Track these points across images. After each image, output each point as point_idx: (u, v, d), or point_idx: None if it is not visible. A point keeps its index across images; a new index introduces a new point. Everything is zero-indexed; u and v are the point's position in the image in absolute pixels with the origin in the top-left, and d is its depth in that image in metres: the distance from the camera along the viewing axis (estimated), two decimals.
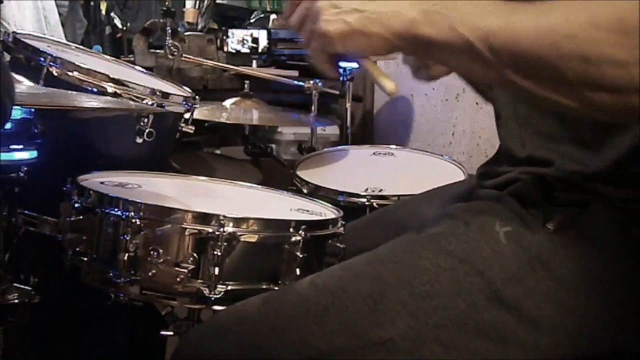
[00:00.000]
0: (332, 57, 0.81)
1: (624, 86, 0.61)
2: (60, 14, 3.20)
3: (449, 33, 0.70)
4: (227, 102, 2.06)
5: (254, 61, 2.62)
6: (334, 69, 0.83)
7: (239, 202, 1.26)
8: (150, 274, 0.98)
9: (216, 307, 0.97)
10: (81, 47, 1.70)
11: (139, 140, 1.32)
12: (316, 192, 1.58)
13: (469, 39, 0.68)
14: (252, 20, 2.97)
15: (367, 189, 1.60)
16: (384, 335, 0.77)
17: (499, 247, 0.78)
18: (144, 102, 1.35)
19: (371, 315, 0.78)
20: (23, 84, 1.26)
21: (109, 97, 1.31)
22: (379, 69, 0.84)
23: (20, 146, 1.29)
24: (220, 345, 0.84)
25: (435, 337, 0.76)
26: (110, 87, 1.33)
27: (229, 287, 0.97)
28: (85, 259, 1.05)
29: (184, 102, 1.45)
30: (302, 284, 0.87)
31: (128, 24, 3.21)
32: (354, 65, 2.23)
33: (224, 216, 0.97)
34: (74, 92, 1.24)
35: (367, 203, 1.53)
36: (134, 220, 0.98)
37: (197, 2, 2.92)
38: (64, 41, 1.81)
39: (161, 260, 0.97)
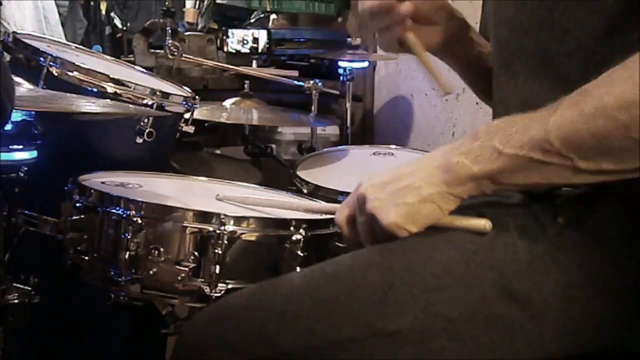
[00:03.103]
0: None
1: None
2: (60, 14, 3.19)
3: (499, 159, 0.73)
4: (227, 102, 2.06)
5: (254, 61, 2.62)
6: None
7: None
8: (151, 272, 0.98)
9: None
10: (81, 47, 1.70)
11: (139, 140, 1.32)
12: (316, 192, 1.57)
13: (520, 155, 0.71)
14: (252, 20, 2.97)
15: None
16: (391, 326, 0.76)
17: (510, 240, 0.78)
18: (144, 102, 1.35)
19: (380, 306, 0.77)
20: (23, 87, 1.26)
21: (108, 100, 1.31)
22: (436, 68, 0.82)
23: (21, 146, 1.29)
24: (225, 330, 0.83)
25: (444, 329, 0.76)
26: (110, 87, 1.33)
27: (230, 286, 0.98)
28: (86, 257, 1.05)
29: (184, 102, 1.45)
30: (311, 271, 0.87)
31: (128, 24, 3.20)
32: (359, 65, 2.24)
33: (225, 215, 0.97)
34: (74, 95, 1.24)
35: None
36: (135, 219, 0.98)
37: (197, 2, 2.91)
38: (64, 41, 1.81)
39: (162, 258, 0.97)
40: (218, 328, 0.84)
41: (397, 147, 1.94)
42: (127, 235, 0.98)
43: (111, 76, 1.34)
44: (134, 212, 0.98)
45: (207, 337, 0.84)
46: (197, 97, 1.50)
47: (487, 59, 1.03)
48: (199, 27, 2.83)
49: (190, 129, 1.48)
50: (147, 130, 1.33)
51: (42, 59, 1.32)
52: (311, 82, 2.10)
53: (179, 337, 0.91)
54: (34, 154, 1.30)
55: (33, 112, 1.29)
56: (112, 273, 1.00)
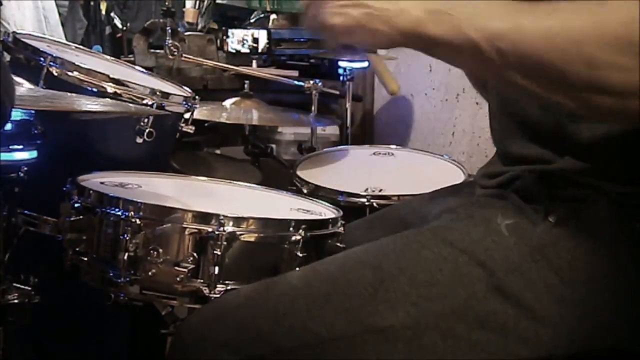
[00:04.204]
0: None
1: (627, 91, 0.63)
2: (60, 14, 3.20)
3: (455, 33, 0.70)
4: (227, 102, 2.06)
5: (254, 61, 2.62)
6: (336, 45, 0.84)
7: (239, 202, 1.26)
8: (150, 273, 0.98)
9: None
10: (81, 47, 1.70)
11: (139, 140, 1.32)
12: (316, 192, 1.58)
13: (475, 40, 0.68)
14: (252, 20, 2.97)
15: (367, 189, 1.60)
16: (383, 322, 0.77)
17: (501, 238, 0.79)
18: (144, 102, 1.35)
19: (371, 302, 0.78)
20: (23, 86, 1.26)
21: (108, 99, 1.31)
22: (385, 66, 0.84)
23: (20, 146, 1.29)
24: (220, 328, 0.84)
25: (435, 325, 0.76)
26: (110, 87, 1.33)
27: (229, 287, 0.98)
28: (85, 258, 1.05)
29: (184, 102, 1.45)
30: (304, 270, 0.88)
31: (128, 24, 3.20)
32: (359, 65, 2.24)
33: (224, 215, 0.97)
34: (74, 94, 1.24)
35: (367, 203, 1.53)
36: (133, 220, 0.98)
37: (197, 2, 2.92)
38: (64, 41, 1.81)
39: (161, 259, 0.97)
40: (213, 327, 0.85)
41: (397, 147, 1.94)
42: (125, 236, 0.98)
43: (111, 76, 1.34)
44: (132, 213, 0.98)
45: (203, 336, 0.85)
46: (197, 97, 1.50)
47: None
48: (199, 27, 2.84)
49: (190, 129, 1.48)
50: (147, 130, 1.32)
51: (42, 59, 1.32)
52: (311, 82, 2.10)
53: (175, 335, 0.91)
54: (34, 154, 1.30)
55: (33, 112, 1.29)
56: (111, 274, 1.00)
